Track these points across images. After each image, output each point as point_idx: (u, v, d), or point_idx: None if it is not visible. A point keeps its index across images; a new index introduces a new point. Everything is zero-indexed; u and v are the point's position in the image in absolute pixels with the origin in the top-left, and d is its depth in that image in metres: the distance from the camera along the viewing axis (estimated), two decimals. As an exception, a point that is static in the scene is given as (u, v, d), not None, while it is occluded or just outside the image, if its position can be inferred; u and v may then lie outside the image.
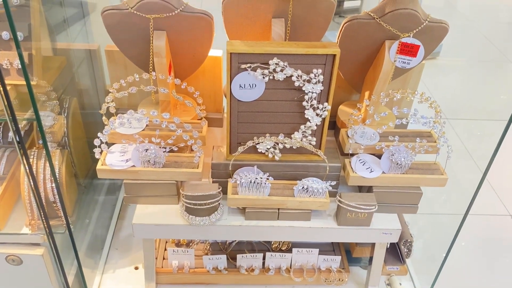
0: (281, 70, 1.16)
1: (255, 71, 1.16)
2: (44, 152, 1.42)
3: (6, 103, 1.10)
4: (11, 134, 1.60)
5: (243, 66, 1.16)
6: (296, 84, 1.17)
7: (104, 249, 1.67)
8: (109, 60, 1.50)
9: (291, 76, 1.17)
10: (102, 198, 1.84)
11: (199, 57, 1.39)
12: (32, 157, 1.41)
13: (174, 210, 1.33)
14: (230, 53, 1.13)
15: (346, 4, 4.90)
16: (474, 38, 4.36)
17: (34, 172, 1.40)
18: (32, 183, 1.25)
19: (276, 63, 1.15)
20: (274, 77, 1.17)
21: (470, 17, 4.84)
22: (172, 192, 1.32)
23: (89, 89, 1.65)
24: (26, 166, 1.23)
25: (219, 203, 1.28)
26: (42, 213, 1.29)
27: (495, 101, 3.37)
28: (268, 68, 1.16)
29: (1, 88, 1.07)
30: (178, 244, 1.57)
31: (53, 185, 1.38)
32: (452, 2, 5.20)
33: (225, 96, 1.61)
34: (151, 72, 1.31)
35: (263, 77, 1.17)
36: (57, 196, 1.39)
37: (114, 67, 1.51)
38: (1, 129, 1.59)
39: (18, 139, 1.18)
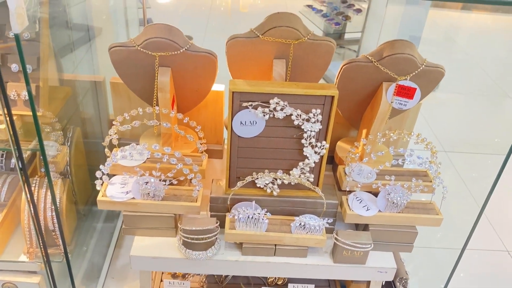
0: (281, 109, 1.19)
1: (256, 109, 1.19)
2: (46, 180, 1.44)
3: (11, 133, 1.13)
4: (13, 160, 1.62)
5: (244, 104, 1.19)
6: (296, 122, 1.21)
7: (100, 278, 1.67)
8: (114, 92, 1.53)
9: (291, 115, 1.20)
10: (100, 226, 1.85)
11: (202, 92, 1.42)
12: (34, 185, 1.43)
13: (171, 243, 1.34)
14: (233, 91, 1.17)
15: (347, 36, 5.01)
16: (472, 72, 4.43)
17: (35, 200, 1.42)
18: (32, 211, 1.27)
19: (276, 103, 1.18)
20: (274, 115, 1.20)
21: (469, 51, 4.93)
22: (170, 225, 1.33)
23: (93, 119, 1.68)
24: (28, 194, 1.25)
25: (216, 238, 1.29)
26: (40, 242, 1.30)
27: (493, 135, 3.40)
28: (268, 107, 1.19)
29: (8, 119, 1.10)
30: (174, 276, 1.58)
31: (53, 214, 1.39)
32: (451, 36, 5.31)
33: (226, 129, 1.64)
34: (154, 106, 1.34)
35: (264, 115, 1.20)
36: (56, 225, 1.40)
37: (118, 99, 1.55)
38: (4, 155, 1.61)
39: (21, 168, 1.20)
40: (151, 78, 1.34)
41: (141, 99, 1.44)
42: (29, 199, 1.26)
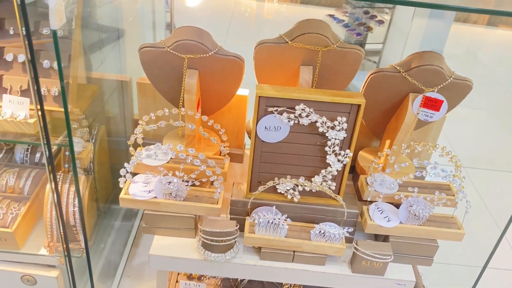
0: (307, 116, 1.19)
1: (281, 114, 1.20)
2: (69, 176, 1.47)
3: (42, 126, 1.15)
4: (38, 155, 1.65)
5: (270, 109, 1.20)
6: (320, 130, 1.21)
7: (116, 276, 1.69)
8: (140, 92, 1.55)
9: (316, 121, 1.20)
10: (118, 224, 1.86)
11: (227, 96, 1.44)
12: (58, 180, 1.46)
13: (190, 244, 1.34)
14: (259, 96, 1.17)
15: (368, 46, 5.01)
16: (494, 88, 4.37)
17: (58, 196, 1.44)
18: (57, 207, 1.29)
19: (302, 109, 1.18)
20: (299, 121, 1.21)
21: (492, 67, 4.87)
22: (190, 226, 1.34)
23: (117, 117, 1.71)
24: (54, 190, 1.27)
25: (235, 241, 1.29)
26: (63, 237, 1.32)
27: (513, 152, 3.34)
28: (294, 113, 1.19)
29: (40, 114, 1.12)
30: (190, 277, 1.58)
31: (75, 209, 1.41)
32: (472, 51, 5.25)
33: (247, 134, 1.65)
34: (180, 107, 1.35)
35: (288, 121, 1.21)
36: (78, 220, 1.42)
37: (143, 99, 1.57)
38: (29, 150, 1.64)
39: (49, 164, 1.22)
40: (178, 80, 1.36)
41: (166, 100, 1.46)
42: (55, 194, 1.28)
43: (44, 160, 1.65)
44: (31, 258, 1.47)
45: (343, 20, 4.94)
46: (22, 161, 1.64)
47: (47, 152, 1.13)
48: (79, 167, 1.45)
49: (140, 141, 1.36)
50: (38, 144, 1.50)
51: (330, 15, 5.07)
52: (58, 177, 1.47)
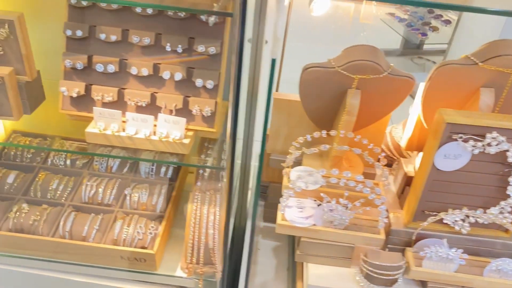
0: (497, 145, 1.09)
1: (466, 142, 1.11)
2: (207, 196, 1.42)
3: (231, 149, 1.11)
4: (163, 169, 1.61)
5: (454, 136, 1.10)
6: (510, 160, 1.11)
7: (240, 297, 1.63)
8: (275, 107, 1.48)
9: (506, 151, 1.10)
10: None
11: (379, 116, 1.35)
12: (196, 200, 1.40)
13: (347, 274, 1.27)
14: (446, 122, 1.08)
15: (426, 46, 4.83)
16: None
17: (199, 217, 1.39)
18: (224, 230, 1.24)
19: (493, 137, 1.09)
20: (484, 150, 1.11)
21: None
22: (347, 255, 1.26)
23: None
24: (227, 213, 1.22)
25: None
26: (221, 260, 1.27)
27: None
28: (481, 141, 1.10)
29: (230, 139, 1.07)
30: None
31: (216, 231, 1.36)
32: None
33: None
34: (339, 130, 1.27)
35: (473, 150, 1.11)
36: (217, 244, 1.37)
37: (277, 114, 1.49)
38: (155, 164, 1.60)
39: (229, 189, 1.18)
40: (333, 99, 1.27)
41: (301, 117, 1.38)
42: (226, 218, 1.23)
43: (169, 175, 1.62)
44: (167, 279, 1.43)
45: (405, 19, 4.77)
46: (146, 175, 1.60)
47: (229, 177, 1.07)
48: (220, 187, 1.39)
49: (290, 163, 1.29)
50: (198, 167, 1.47)
51: (391, 14, 4.90)
52: (196, 197, 1.42)
